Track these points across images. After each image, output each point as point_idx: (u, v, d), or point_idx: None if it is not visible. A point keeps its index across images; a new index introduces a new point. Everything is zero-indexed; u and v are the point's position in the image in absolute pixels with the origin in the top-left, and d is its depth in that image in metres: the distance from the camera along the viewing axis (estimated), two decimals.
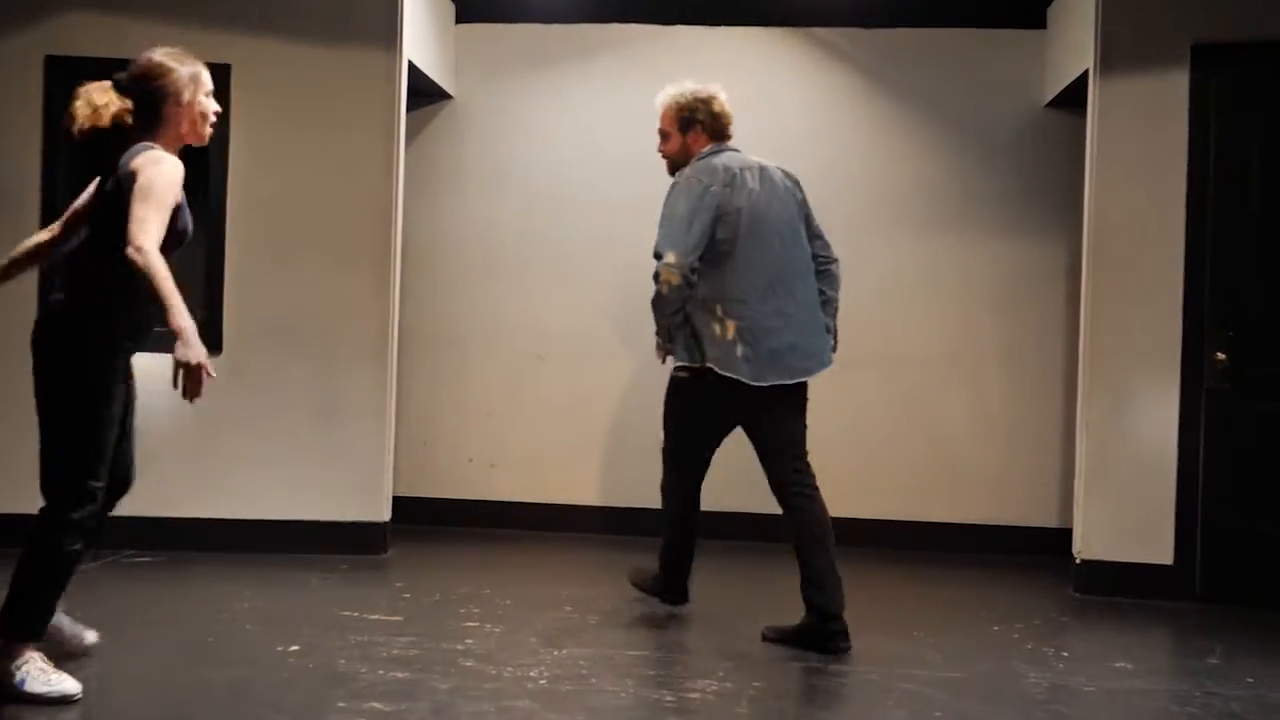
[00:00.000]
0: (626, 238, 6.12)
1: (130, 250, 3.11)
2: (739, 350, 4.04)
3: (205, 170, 5.24)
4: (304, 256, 5.30)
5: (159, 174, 3.19)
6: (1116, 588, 5.03)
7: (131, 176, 3.21)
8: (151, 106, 3.39)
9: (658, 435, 6.54)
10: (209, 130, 3.54)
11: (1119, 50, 5.07)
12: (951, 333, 6.04)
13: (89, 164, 3.59)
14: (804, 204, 4.35)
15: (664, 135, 4.42)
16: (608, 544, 5.84)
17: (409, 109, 5.62)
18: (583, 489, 6.11)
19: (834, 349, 4.28)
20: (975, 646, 4.25)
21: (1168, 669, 4.25)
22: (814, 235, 4.33)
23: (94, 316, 3.35)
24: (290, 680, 3.53)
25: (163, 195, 3.18)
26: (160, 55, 3.42)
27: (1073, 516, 5.26)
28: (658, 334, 4.24)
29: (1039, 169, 5.99)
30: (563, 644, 4.01)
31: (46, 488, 3.36)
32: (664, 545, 4.50)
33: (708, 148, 4.32)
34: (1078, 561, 5.15)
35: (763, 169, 4.29)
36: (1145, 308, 5.07)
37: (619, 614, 4.47)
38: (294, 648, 3.84)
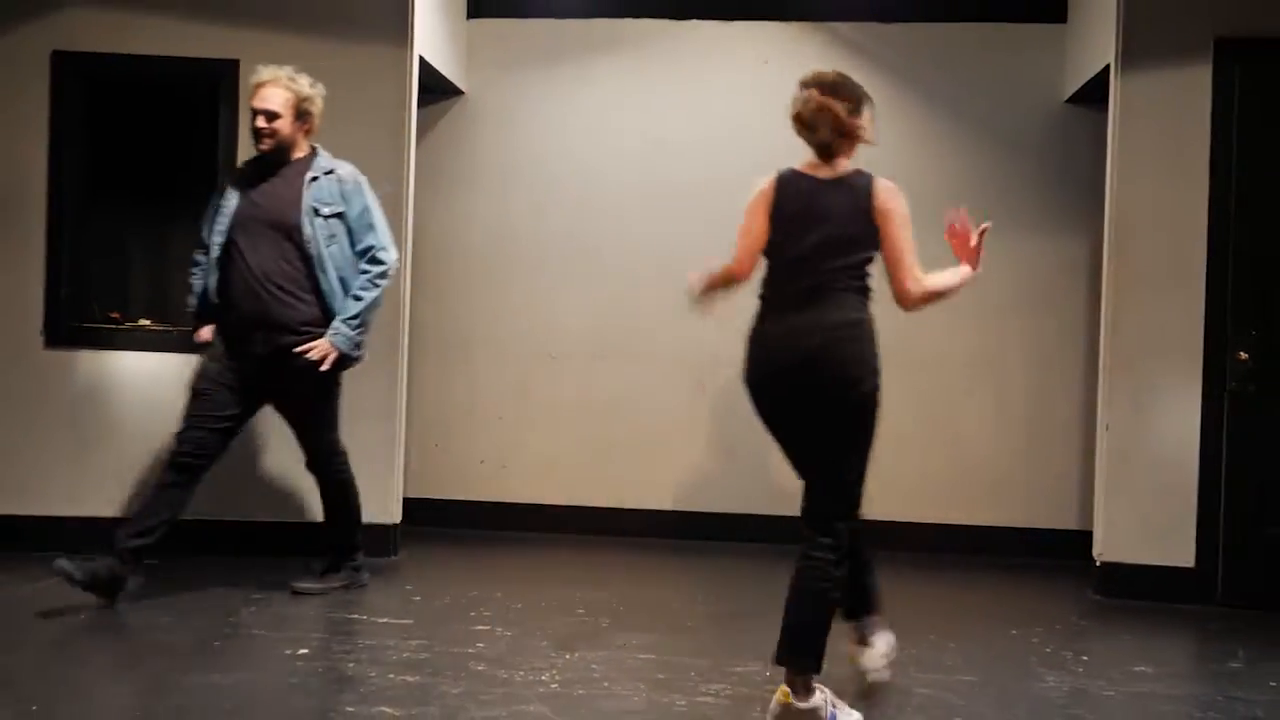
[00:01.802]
0: (641, 235, 6.12)
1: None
2: None
3: (213, 169, 5.26)
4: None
5: None
6: (1137, 591, 5.00)
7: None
8: None
9: (670, 435, 6.54)
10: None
11: (1140, 45, 5.04)
12: (970, 332, 6.01)
13: None
14: None
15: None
16: (620, 546, 5.83)
17: (420, 105, 5.61)
18: (595, 491, 6.10)
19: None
20: (994, 650, 4.23)
21: (1189, 673, 4.23)
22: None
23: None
24: (299, 684, 3.53)
25: None
26: None
27: (1093, 518, 5.23)
28: None
29: (1059, 165, 5.96)
30: (575, 647, 4.01)
31: (841, 510, 3.32)
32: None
33: None
34: (1098, 564, 5.12)
35: None
36: (1167, 306, 5.04)
37: (631, 617, 4.47)
38: (302, 651, 3.84)
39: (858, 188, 3.32)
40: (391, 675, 3.61)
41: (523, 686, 3.56)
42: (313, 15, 5.31)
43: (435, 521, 6.00)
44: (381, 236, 4.60)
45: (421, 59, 5.45)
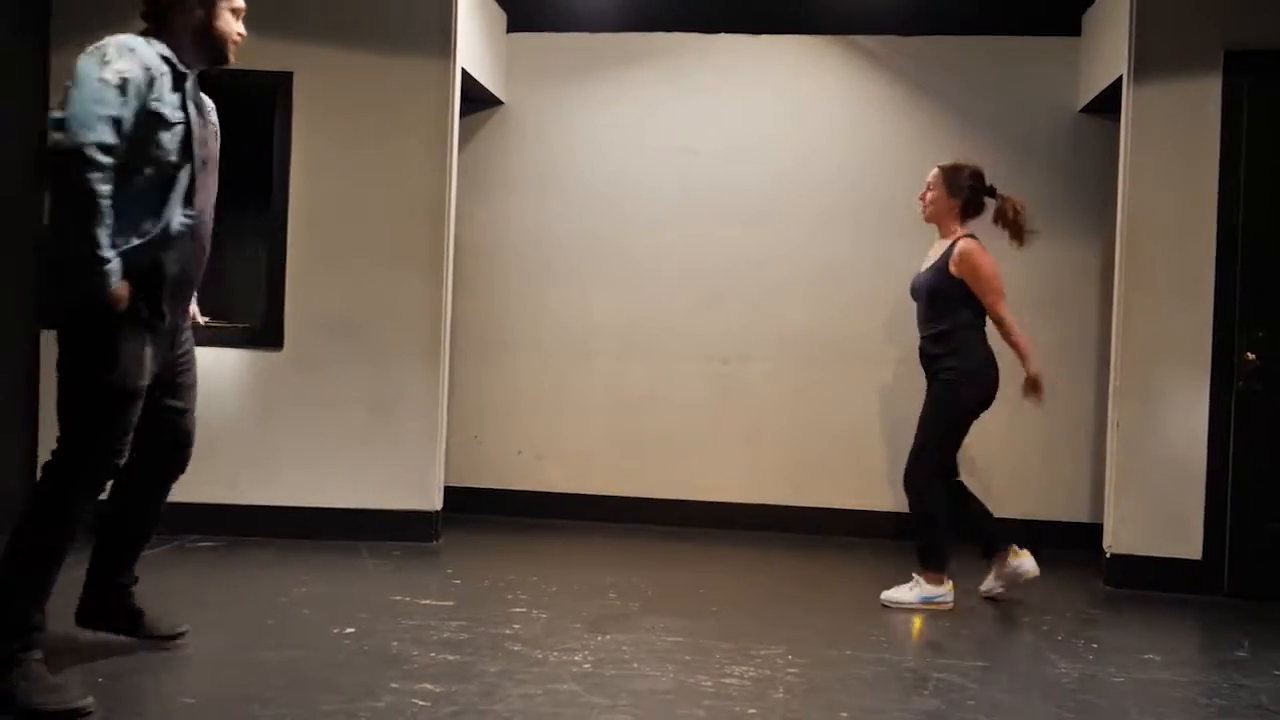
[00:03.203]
0: (670, 239, 6.12)
1: None
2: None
3: (268, 174, 5.30)
4: (361, 257, 5.33)
5: None
6: (1146, 581, 4.96)
7: None
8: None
9: (698, 428, 6.54)
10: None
11: (1153, 57, 4.99)
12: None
13: None
14: None
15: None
16: (650, 534, 5.83)
17: (462, 115, 5.64)
18: (627, 481, 6.11)
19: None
20: (1007, 637, 4.21)
21: (1196, 661, 4.18)
22: None
23: None
24: (345, 661, 3.56)
25: None
26: None
27: (1104, 512, 5.19)
28: None
29: (1073, 174, 5.91)
30: (606, 629, 4.01)
31: None
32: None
33: None
34: (1108, 556, 5.08)
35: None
36: (1177, 309, 4.98)
37: (660, 601, 4.47)
38: (349, 630, 3.87)
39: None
40: (433, 654, 3.63)
41: (557, 666, 3.57)
42: (362, 29, 5.34)
43: (474, 509, 6.03)
44: None
45: (464, 71, 5.46)
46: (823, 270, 6.04)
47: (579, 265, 6.17)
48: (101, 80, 2.97)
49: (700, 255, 6.09)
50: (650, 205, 6.12)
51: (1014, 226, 4.69)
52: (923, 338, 4.71)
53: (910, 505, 4.65)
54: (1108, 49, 5.36)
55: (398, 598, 4.33)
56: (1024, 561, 4.63)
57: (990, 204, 4.75)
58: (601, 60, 6.18)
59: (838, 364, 6.04)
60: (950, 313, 4.60)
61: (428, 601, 4.31)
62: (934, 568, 4.53)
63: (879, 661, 3.77)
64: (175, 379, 3.41)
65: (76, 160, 2.89)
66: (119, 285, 2.99)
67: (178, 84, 3.18)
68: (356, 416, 5.30)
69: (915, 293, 4.77)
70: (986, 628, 4.29)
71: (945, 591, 4.53)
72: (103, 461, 3.07)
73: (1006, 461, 5.93)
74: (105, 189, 2.93)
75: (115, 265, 2.98)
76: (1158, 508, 4.98)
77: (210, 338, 5.35)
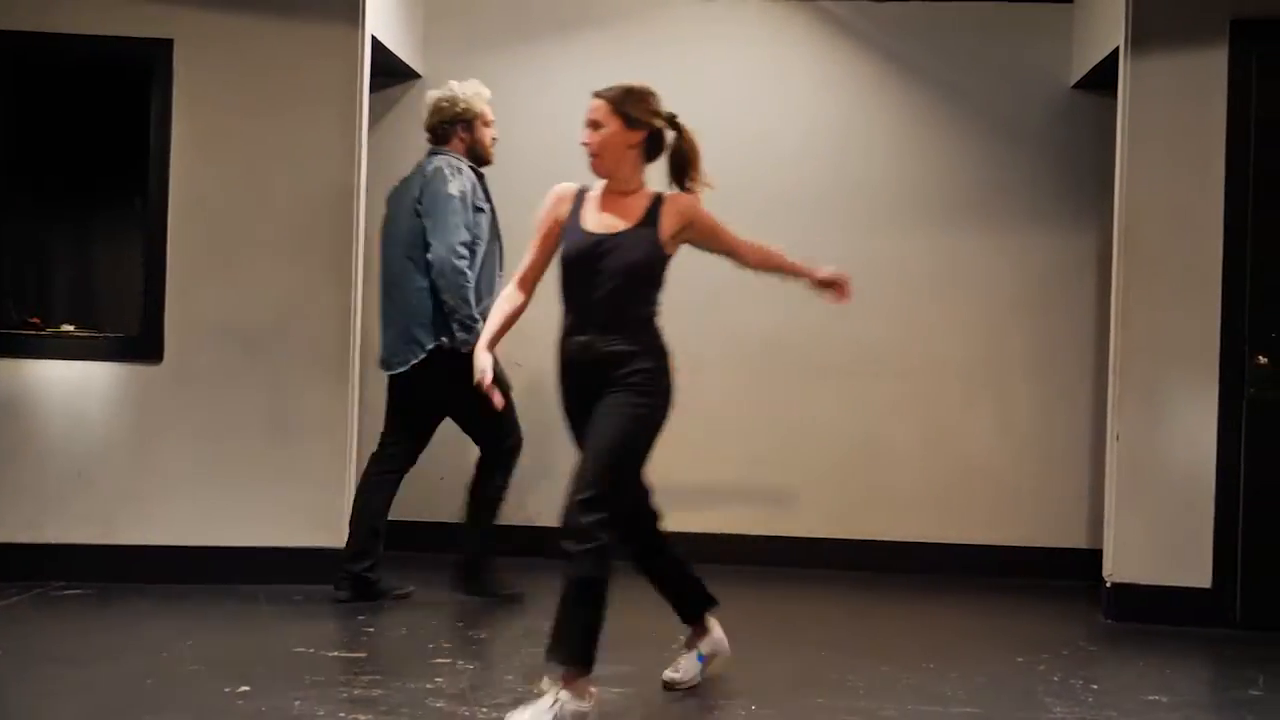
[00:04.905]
0: None
1: None
2: None
3: (143, 157, 5.20)
4: (255, 253, 5.26)
5: None
6: (1150, 613, 5.03)
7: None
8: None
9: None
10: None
11: (1152, 26, 5.07)
12: (971, 335, 6.03)
13: None
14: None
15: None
16: None
17: (372, 89, 5.58)
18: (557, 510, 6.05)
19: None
20: (997, 679, 4.23)
21: (1206, 701, 4.24)
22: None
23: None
24: None
25: None
26: None
27: (1103, 536, 5.25)
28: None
29: (1066, 155, 5.99)
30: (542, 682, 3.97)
31: None
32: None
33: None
34: (1108, 585, 5.14)
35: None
36: (1181, 306, 5.07)
37: (604, 646, 4.43)
38: (243, 689, 3.79)
39: None
40: (341, 715, 3.57)
41: None
42: None
43: (390, 544, 5.94)
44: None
45: (374, 39, 5.42)
46: None
47: (511, 260, 6.11)
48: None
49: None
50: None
51: (691, 166, 3.87)
52: (596, 333, 3.78)
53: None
54: (1103, 19, 5.44)
55: (300, 650, 4.26)
56: None
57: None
58: (534, 28, 6.16)
59: (803, 374, 6.05)
60: (648, 299, 3.87)
61: (335, 654, 4.26)
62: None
63: (856, 711, 3.77)
64: None
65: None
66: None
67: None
68: (251, 440, 5.22)
69: (592, 267, 3.74)
70: (975, 669, 4.31)
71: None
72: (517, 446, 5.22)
73: (993, 482, 5.98)
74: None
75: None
76: (1163, 531, 5.05)
77: (76, 349, 5.25)
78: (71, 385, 5.19)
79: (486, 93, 5.08)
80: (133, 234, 5.41)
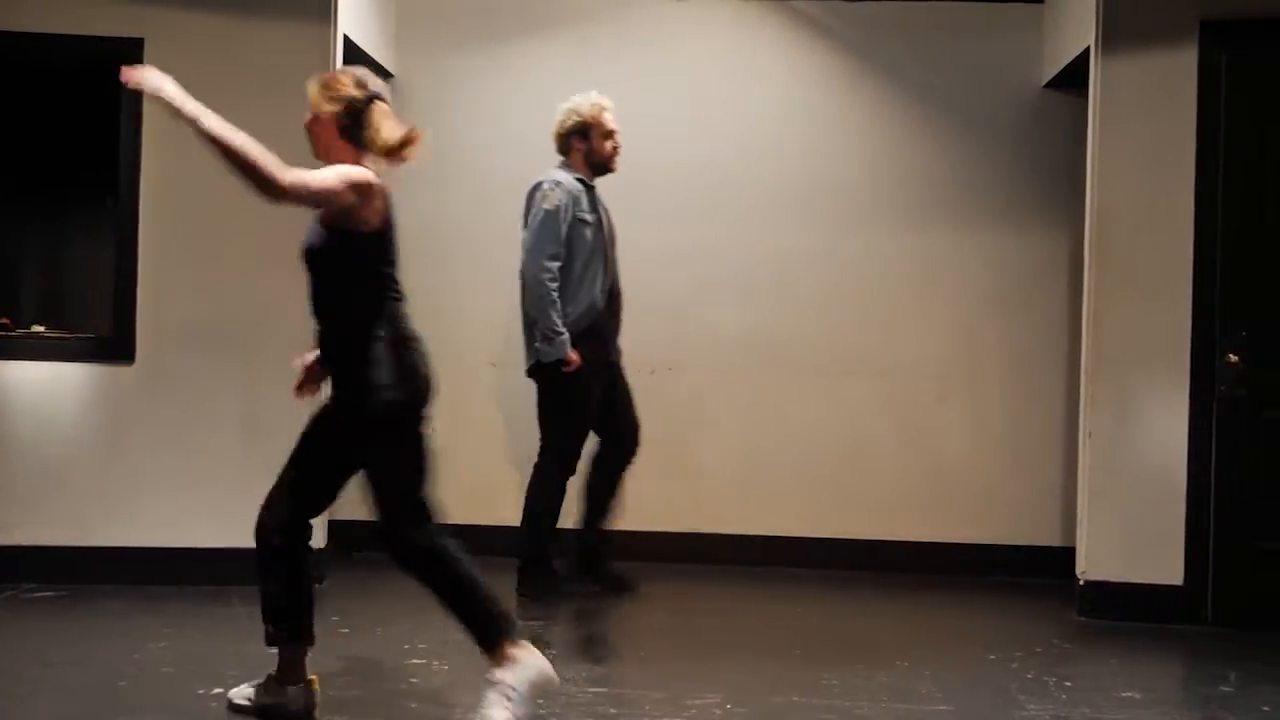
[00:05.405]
0: None
1: None
2: None
3: (114, 156, 5.17)
4: (229, 252, 5.23)
5: None
6: (1123, 611, 5.07)
7: None
8: None
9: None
10: None
11: (1123, 26, 5.11)
12: (942, 335, 6.06)
13: None
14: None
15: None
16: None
17: None
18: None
19: None
20: (970, 677, 4.26)
21: (1178, 698, 4.28)
22: None
23: None
24: None
25: None
26: None
27: (1075, 534, 5.29)
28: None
29: (1036, 155, 6.03)
30: None
31: None
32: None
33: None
34: (1081, 583, 5.18)
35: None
36: (1152, 305, 5.11)
37: (580, 646, 4.45)
38: (215, 691, 3.79)
39: None
40: (316, 716, 3.56)
41: None
42: None
43: (365, 545, 5.92)
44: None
45: (346, 38, 5.40)
46: (758, 264, 6.08)
47: (485, 259, 6.12)
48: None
49: (623, 237, 6.08)
50: None
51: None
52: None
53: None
54: (1074, 18, 5.48)
55: (274, 651, 4.24)
56: None
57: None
58: (507, 27, 6.15)
59: (780, 374, 6.07)
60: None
61: (309, 655, 4.23)
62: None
63: (830, 709, 3.79)
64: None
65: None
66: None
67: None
68: (224, 441, 5.20)
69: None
70: (948, 667, 4.34)
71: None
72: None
73: (967, 480, 6.02)
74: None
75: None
76: (1135, 528, 5.10)
77: (46, 350, 5.22)
78: (42, 386, 5.16)
79: (607, 102, 5.25)
80: (104, 233, 5.38)
